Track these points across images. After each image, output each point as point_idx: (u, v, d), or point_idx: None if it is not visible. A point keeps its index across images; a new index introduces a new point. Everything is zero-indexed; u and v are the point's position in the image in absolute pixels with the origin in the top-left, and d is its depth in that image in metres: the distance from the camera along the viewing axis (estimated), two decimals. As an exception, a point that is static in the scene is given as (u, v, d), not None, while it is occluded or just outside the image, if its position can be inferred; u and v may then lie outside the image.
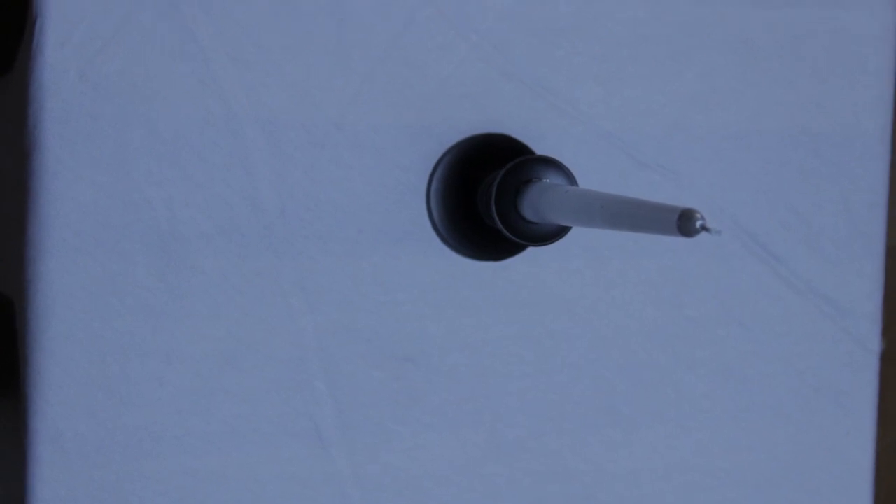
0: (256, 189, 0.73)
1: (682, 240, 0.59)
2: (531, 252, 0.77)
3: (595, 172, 0.75)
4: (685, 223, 0.57)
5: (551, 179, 0.70)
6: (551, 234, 0.71)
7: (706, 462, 0.82)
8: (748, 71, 0.80)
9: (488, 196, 0.71)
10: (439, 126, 0.75)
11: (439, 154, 0.75)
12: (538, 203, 0.69)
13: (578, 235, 0.75)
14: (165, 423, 0.72)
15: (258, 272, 0.73)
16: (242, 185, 0.72)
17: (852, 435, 0.84)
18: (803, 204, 0.81)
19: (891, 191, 0.84)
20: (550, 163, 0.71)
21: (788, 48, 0.80)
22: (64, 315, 0.70)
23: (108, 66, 0.70)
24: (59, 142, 0.69)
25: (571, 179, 0.71)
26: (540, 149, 0.76)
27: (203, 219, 0.72)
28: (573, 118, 0.77)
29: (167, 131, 0.71)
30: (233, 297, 0.72)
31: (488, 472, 0.78)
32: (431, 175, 0.75)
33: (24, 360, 0.71)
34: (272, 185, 0.73)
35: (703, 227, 0.57)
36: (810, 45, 0.81)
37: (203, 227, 0.72)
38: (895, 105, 0.81)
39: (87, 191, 0.70)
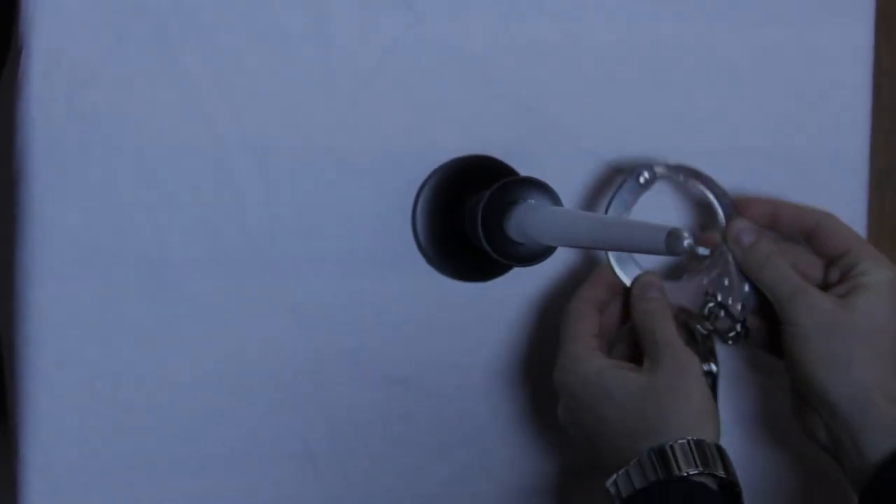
0: (245, 214, 0.73)
1: (665, 257, 0.60)
2: (517, 272, 0.77)
3: (579, 193, 0.76)
4: (673, 242, 0.58)
5: (537, 200, 0.71)
6: (537, 255, 0.72)
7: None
8: (728, 90, 0.81)
9: (474, 217, 0.71)
10: (424, 148, 0.76)
11: (424, 176, 0.76)
12: (524, 223, 0.69)
13: (564, 255, 0.75)
14: (157, 449, 0.72)
15: (248, 296, 0.73)
16: (231, 209, 0.73)
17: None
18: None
19: (869, 207, 0.85)
20: (536, 184, 0.71)
21: (767, 67, 0.81)
22: (54, 342, 0.70)
23: (95, 95, 0.70)
24: (47, 170, 0.69)
25: (556, 200, 0.71)
26: (524, 170, 0.76)
27: (192, 244, 0.72)
28: (557, 139, 0.78)
29: (155, 158, 0.71)
30: (223, 322, 0.73)
31: (480, 490, 0.78)
32: (417, 197, 0.76)
33: (14, 388, 0.71)
34: (260, 210, 0.73)
35: (691, 246, 0.58)
36: (789, 63, 0.82)
37: (192, 253, 0.72)
38: (872, 122, 0.82)
39: (76, 218, 0.70)
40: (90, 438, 0.71)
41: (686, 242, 0.57)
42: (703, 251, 0.59)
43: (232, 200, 0.72)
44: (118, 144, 0.70)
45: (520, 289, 0.78)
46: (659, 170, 0.76)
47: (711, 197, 0.78)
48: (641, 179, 0.76)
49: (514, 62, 0.77)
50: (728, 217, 0.77)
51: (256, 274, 0.73)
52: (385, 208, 0.75)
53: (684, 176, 0.78)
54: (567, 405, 0.73)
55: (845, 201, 0.83)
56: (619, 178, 0.77)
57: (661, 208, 0.79)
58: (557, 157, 0.78)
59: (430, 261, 0.76)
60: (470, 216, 0.74)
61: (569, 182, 0.74)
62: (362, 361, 0.75)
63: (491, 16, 0.76)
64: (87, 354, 0.71)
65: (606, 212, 0.75)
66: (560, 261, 0.75)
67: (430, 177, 0.76)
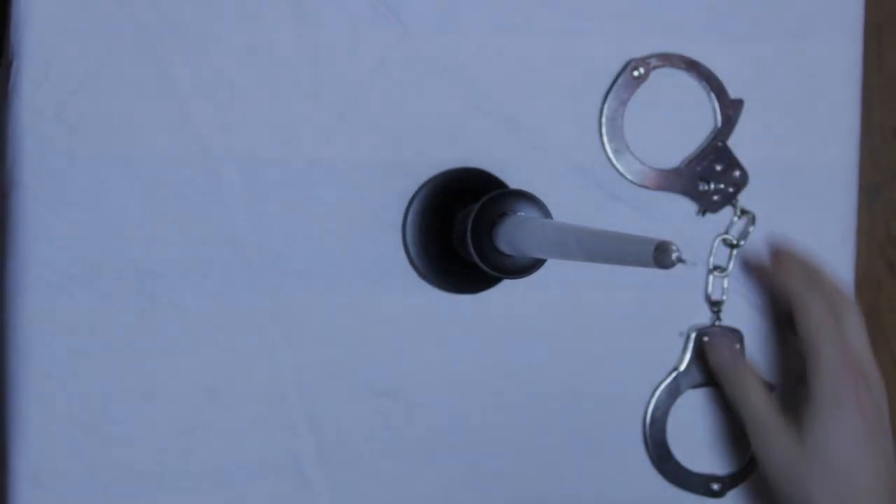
0: (233, 226, 0.73)
1: (657, 271, 0.60)
2: (507, 284, 0.77)
3: (568, 206, 0.76)
4: (661, 255, 0.58)
5: (526, 213, 0.71)
6: (527, 267, 0.71)
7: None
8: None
9: (464, 229, 0.71)
10: (414, 161, 0.76)
11: (414, 189, 0.76)
12: (513, 236, 0.70)
13: (553, 267, 0.75)
14: (146, 462, 0.72)
15: (236, 309, 0.73)
16: (219, 222, 0.73)
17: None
18: (774, 235, 0.82)
19: (858, 221, 0.85)
20: (525, 196, 0.71)
21: (755, 81, 0.81)
22: (43, 354, 0.70)
23: (85, 106, 0.70)
24: (36, 181, 0.70)
25: (546, 212, 0.72)
26: (514, 183, 0.77)
27: (180, 256, 0.72)
28: (546, 152, 0.78)
29: (144, 170, 0.71)
30: (211, 334, 0.73)
31: (469, 503, 0.78)
32: (407, 209, 0.76)
33: (4, 399, 0.71)
34: (249, 222, 0.73)
35: (679, 259, 0.58)
36: (777, 78, 0.82)
37: (180, 265, 0.72)
38: (861, 136, 0.83)
39: (65, 230, 0.70)
40: (80, 450, 0.71)
41: (674, 256, 0.58)
42: (691, 263, 0.59)
43: (220, 212, 0.72)
44: (107, 155, 0.71)
45: (509, 301, 0.78)
46: (654, 61, 0.78)
47: (707, 92, 0.80)
48: (636, 73, 0.78)
49: (504, 76, 0.77)
50: (725, 113, 0.79)
51: (244, 286, 0.73)
52: (375, 221, 0.75)
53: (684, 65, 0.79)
54: None
55: (834, 216, 0.83)
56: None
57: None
58: (547, 170, 0.78)
59: (419, 273, 0.76)
60: (459, 228, 0.74)
61: (558, 195, 0.74)
62: (351, 373, 0.75)
63: (481, 30, 0.76)
64: (77, 365, 0.71)
65: (603, 106, 0.77)
66: (549, 273, 0.75)
67: (419, 189, 0.76)
